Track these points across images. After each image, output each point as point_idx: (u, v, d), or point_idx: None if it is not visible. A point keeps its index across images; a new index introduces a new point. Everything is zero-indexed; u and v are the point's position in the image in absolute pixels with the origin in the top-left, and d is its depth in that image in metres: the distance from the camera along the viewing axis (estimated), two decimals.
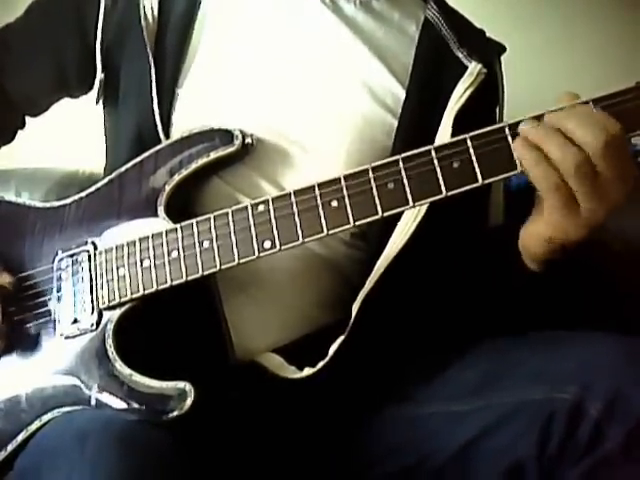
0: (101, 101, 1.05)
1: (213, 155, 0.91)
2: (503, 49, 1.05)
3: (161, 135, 0.94)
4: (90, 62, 1.02)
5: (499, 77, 1.05)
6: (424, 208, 0.88)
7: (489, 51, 1.03)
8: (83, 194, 0.97)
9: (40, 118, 1.15)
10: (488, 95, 1.00)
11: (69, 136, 1.59)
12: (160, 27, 0.99)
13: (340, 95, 0.97)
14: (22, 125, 1.16)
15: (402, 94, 0.98)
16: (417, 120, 0.96)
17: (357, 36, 0.99)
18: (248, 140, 0.92)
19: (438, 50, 1.00)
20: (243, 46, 0.99)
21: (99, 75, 1.02)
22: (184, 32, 0.99)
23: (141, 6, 1.00)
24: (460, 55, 0.99)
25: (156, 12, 1.00)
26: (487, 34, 1.07)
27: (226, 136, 0.92)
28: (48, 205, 0.99)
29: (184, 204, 0.92)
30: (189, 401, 0.79)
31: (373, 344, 0.94)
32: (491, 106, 1.03)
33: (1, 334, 0.90)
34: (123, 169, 0.95)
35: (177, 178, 0.91)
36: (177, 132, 0.95)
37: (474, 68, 0.96)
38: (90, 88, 1.07)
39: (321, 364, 0.88)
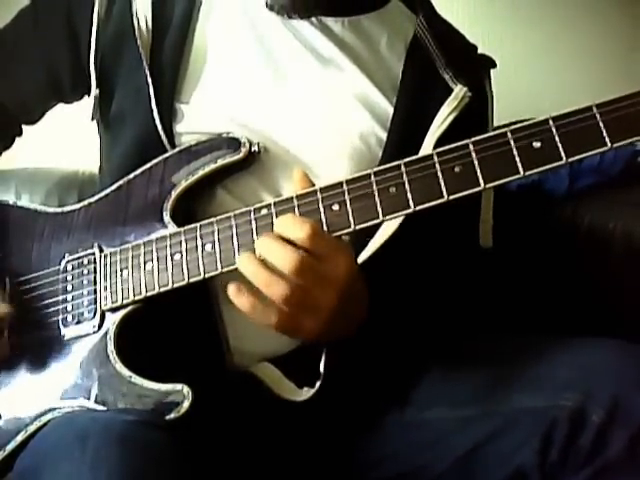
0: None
1: (220, 162, 0.92)
2: (493, 65, 1.05)
3: (167, 146, 0.94)
4: (83, 72, 1.02)
5: (488, 95, 1.05)
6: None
7: (477, 71, 1.03)
8: (92, 199, 0.98)
9: None
10: (475, 116, 1.00)
11: (69, 137, 1.59)
12: (155, 38, 0.99)
13: (336, 111, 0.98)
14: (19, 133, 1.16)
15: (391, 110, 0.98)
16: (404, 138, 0.96)
17: (345, 55, 0.99)
18: (254, 148, 0.92)
19: (425, 70, 1.00)
20: (242, 59, 1.00)
21: (94, 91, 1.00)
22: (181, 42, 0.99)
23: (134, 17, 0.99)
24: (446, 77, 0.98)
25: (150, 23, 0.99)
26: (479, 49, 1.07)
27: (233, 143, 0.92)
28: (58, 210, 1.00)
29: (189, 211, 0.92)
30: (187, 404, 0.79)
31: (371, 349, 0.93)
32: (478, 127, 1.02)
33: (6, 342, 0.91)
34: (132, 175, 0.95)
35: (184, 184, 0.92)
36: (182, 142, 0.95)
37: (459, 91, 0.96)
38: (84, 95, 1.06)
39: (318, 384, 0.87)
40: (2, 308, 0.91)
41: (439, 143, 0.92)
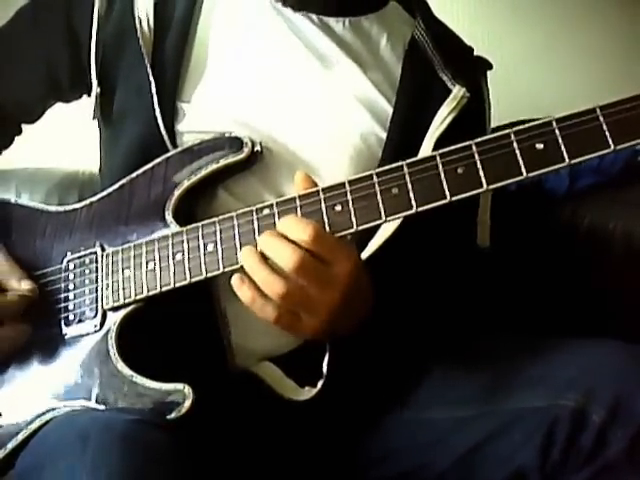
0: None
1: (222, 162, 0.92)
2: (489, 66, 1.06)
3: (168, 145, 0.94)
4: (83, 71, 1.01)
5: (485, 96, 1.06)
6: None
7: (475, 72, 1.04)
8: (94, 198, 0.98)
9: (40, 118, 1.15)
10: (473, 117, 1.01)
11: (69, 137, 1.59)
12: (157, 36, 0.98)
13: (337, 111, 0.98)
14: (19, 132, 1.15)
15: (391, 110, 0.99)
16: (404, 137, 0.97)
17: (346, 55, 1.00)
18: (257, 148, 0.92)
19: (423, 71, 1.01)
20: (244, 59, 1.00)
21: (95, 89, 1.00)
22: (183, 40, 0.99)
23: (136, 15, 0.98)
24: (445, 78, 0.99)
25: (152, 21, 0.99)
26: (480, 48, 1.07)
27: (236, 143, 0.92)
28: (61, 209, 1.00)
29: (191, 211, 0.92)
30: (188, 403, 0.79)
31: (372, 349, 0.93)
32: (475, 128, 1.03)
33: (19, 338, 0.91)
34: (134, 175, 0.95)
35: (186, 184, 0.92)
36: (184, 141, 0.95)
37: (458, 92, 0.97)
38: (82, 94, 1.06)
39: (320, 383, 0.87)
40: (27, 285, 0.91)
41: (438, 143, 0.92)
